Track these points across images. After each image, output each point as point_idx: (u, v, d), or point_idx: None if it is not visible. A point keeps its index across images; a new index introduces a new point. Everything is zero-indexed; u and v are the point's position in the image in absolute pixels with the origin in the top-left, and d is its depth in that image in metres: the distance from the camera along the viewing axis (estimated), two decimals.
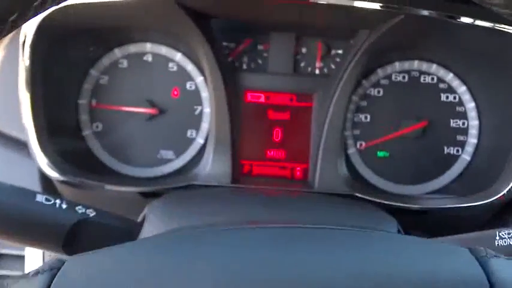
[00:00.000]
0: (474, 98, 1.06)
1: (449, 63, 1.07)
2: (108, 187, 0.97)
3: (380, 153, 1.08)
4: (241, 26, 1.04)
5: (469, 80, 1.06)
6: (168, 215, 0.72)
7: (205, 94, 1.06)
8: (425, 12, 0.92)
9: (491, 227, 0.68)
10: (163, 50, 1.07)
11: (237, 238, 0.51)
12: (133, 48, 1.07)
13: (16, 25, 0.43)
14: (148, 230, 0.69)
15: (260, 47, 1.07)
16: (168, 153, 1.07)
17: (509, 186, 0.94)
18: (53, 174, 0.95)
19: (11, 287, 0.45)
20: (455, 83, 1.07)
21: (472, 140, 1.07)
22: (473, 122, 1.07)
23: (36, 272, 0.46)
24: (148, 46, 1.07)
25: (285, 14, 0.98)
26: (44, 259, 0.95)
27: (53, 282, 0.45)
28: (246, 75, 1.04)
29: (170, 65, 1.07)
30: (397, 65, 1.07)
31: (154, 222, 0.70)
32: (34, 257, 0.96)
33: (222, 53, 1.02)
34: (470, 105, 1.07)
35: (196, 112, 1.07)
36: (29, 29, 0.92)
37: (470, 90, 1.07)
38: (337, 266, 0.47)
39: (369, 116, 1.08)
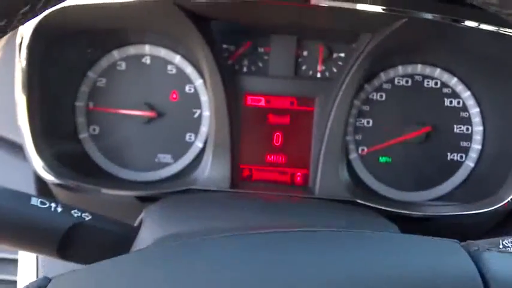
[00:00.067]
0: (478, 103, 1.05)
1: (453, 67, 1.05)
2: (105, 191, 0.96)
3: (382, 159, 1.06)
4: (242, 29, 1.03)
5: (474, 85, 1.05)
6: (165, 220, 0.71)
7: (204, 97, 1.05)
8: (428, 16, 0.91)
9: (495, 235, 0.66)
10: (162, 52, 1.06)
11: (230, 247, 0.50)
12: (131, 50, 1.06)
13: (26, 18, 0.42)
14: (144, 235, 0.68)
15: (261, 50, 1.05)
16: (166, 157, 1.06)
17: None
18: (48, 177, 0.94)
19: None
20: (460, 87, 1.05)
21: (476, 146, 1.05)
22: (478, 128, 1.05)
23: None
24: (147, 48, 1.06)
25: (285, 17, 0.97)
26: (37, 263, 0.94)
27: None
28: (246, 78, 1.03)
29: (169, 67, 1.06)
30: (400, 69, 1.06)
31: (150, 227, 0.70)
32: (27, 261, 0.95)
33: (221, 56, 1.01)
34: (474, 110, 1.05)
35: (195, 115, 1.06)
36: (25, 30, 0.92)
37: (474, 95, 1.05)
38: (326, 267, 0.47)
39: (371, 121, 1.06)
